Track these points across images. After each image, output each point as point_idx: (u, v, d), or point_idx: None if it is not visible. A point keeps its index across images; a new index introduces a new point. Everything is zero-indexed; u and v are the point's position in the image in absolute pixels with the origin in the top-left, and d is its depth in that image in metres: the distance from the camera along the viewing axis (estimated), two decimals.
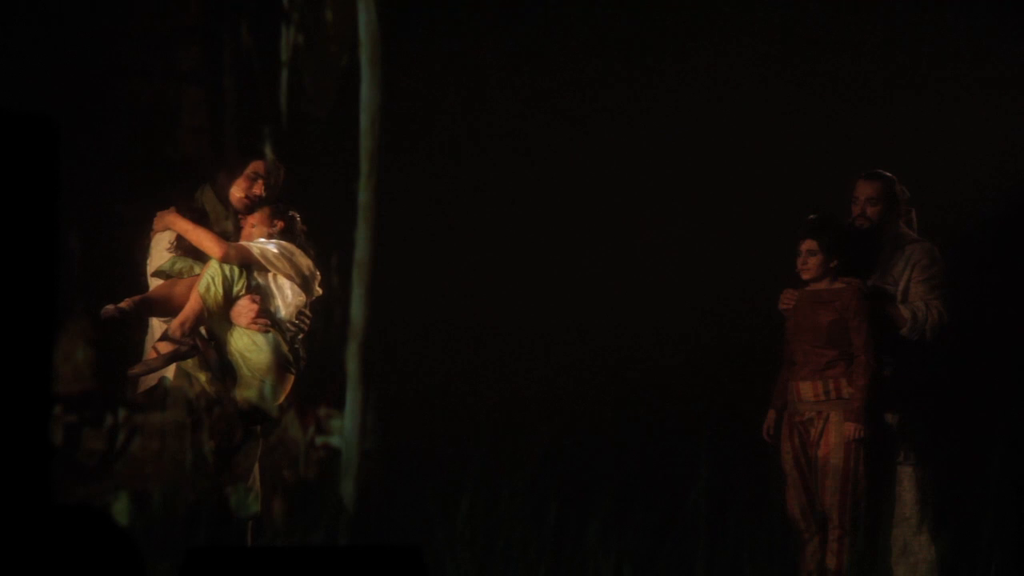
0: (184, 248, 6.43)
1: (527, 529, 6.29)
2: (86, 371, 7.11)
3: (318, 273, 6.56)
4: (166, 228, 6.45)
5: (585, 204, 8.07)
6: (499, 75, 8.16)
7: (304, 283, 6.46)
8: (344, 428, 7.20)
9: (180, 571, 4.42)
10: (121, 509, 6.00)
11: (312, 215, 6.64)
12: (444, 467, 6.82)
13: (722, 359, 7.71)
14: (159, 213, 6.49)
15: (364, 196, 7.58)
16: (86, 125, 7.41)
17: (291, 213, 6.57)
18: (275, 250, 6.42)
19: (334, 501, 7.04)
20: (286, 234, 6.51)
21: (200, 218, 6.43)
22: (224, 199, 6.50)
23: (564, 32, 8.18)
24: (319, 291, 6.57)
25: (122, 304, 6.34)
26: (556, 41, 8.18)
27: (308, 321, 6.52)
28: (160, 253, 6.47)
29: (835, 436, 6.44)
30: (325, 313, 6.79)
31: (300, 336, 6.48)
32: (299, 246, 6.54)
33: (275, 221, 6.49)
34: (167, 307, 6.38)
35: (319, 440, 7.53)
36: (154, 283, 6.46)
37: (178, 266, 6.41)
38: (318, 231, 6.66)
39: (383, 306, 7.62)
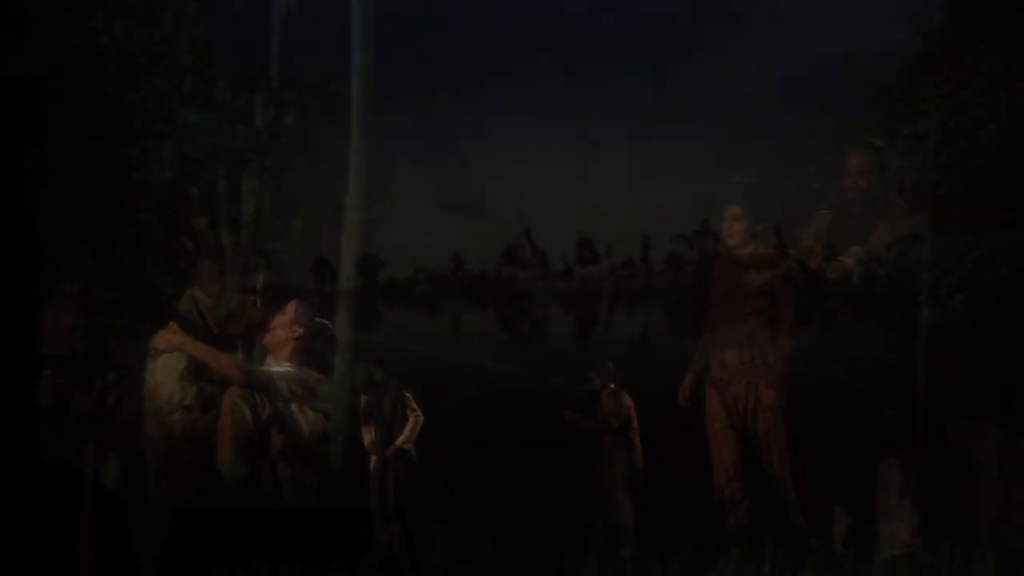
0: (196, 373, 6.28)
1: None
2: (76, 332, 7.11)
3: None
4: (175, 349, 6.27)
5: (577, 175, 8.06)
6: (493, 38, 8.14)
7: (324, 410, 6.47)
8: (333, 392, 7.20)
9: (168, 531, 4.46)
10: (111, 470, 6.02)
11: (303, 180, 6.62)
12: (435, 433, 6.84)
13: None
14: (159, 333, 6.29)
15: (355, 161, 7.58)
16: (78, 81, 7.40)
17: (320, 321, 6.50)
18: (296, 376, 6.41)
19: (325, 464, 7.05)
20: (313, 339, 6.47)
21: (203, 333, 6.29)
22: (219, 302, 6.32)
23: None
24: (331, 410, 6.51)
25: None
26: (550, 7, 8.16)
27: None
28: (168, 379, 6.29)
29: (768, 406, 6.49)
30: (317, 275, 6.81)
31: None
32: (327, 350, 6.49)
33: (295, 328, 6.47)
34: (199, 444, 6.31)
35: (310, 405, 7.55)
36: (176, 414, 6.31)
37: (201, 397, 6.30)
38: (310, 195, 6.63)
39: (373, 270, 7.61)
